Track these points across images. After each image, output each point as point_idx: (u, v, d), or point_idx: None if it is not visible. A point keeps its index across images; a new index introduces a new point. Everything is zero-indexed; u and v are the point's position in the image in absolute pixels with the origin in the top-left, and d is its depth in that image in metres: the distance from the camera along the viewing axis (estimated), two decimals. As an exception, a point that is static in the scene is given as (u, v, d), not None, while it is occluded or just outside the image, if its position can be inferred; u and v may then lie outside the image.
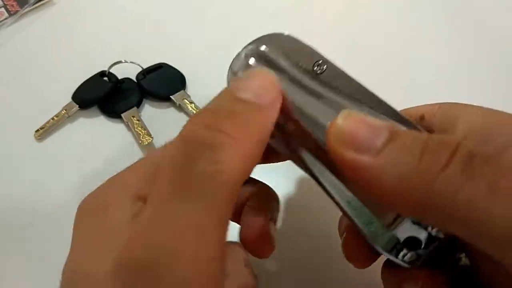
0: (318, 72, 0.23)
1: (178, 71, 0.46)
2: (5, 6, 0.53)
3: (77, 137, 0.42)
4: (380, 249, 0.22)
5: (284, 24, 0.51)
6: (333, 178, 0.23)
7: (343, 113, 0.19)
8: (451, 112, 0.24)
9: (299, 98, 0.23)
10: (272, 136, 0.21)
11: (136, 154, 0.41)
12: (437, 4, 0.54)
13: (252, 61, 0.24)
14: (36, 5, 0.53)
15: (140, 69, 0.45)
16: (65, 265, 0.21)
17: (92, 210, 0.22)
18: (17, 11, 0.53)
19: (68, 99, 0.43)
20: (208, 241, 0.18)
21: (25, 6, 0.53)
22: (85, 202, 0.23)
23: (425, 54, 0.49)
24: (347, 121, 0.19)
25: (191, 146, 0.18)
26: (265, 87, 0.20)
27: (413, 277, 0.23)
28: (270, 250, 0.25)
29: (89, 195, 0.23)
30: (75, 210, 0.35)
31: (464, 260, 0.23)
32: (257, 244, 0.25)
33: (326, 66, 0.23)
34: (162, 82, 0.45)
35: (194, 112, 0.43)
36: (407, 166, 0.17)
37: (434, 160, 0.17)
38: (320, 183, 0.23)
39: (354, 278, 0.33)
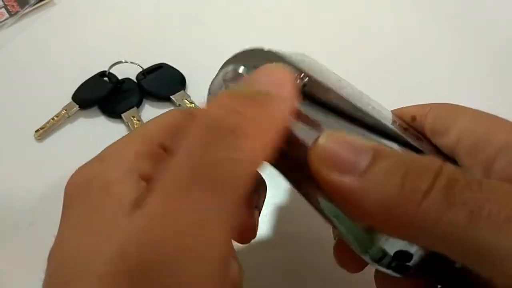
0: (300, 85, 0.22)
1: (178, 71, 0.46)
2: (5, 6, 0.53)
3: (77, 137, 0.42)
4: (369, 262, 0.22)
5: (285, 24, 0.51)
6: (318, 193, 0.22)
7: (325, 134, 0.19)
8: (442, 114, 0.23)
9: None
10: None
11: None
12: (437, 4, 0.54)
13: (230, 85, 0.23)
14: (37, 5, 0.53)
15: (140, 69, 0.45)
16: (53, 250, 0.20)
17: (89, 187, 0.20)
18: (17, 12, 0.53)
19: (68, 99, 0.43)
20: (221, 239, 0.16)
21: (26, 7, 0.53)
22: (81, 174, 0.21)
23: (425, 54, 0.49)
24: (330, 142, 0.18)
25: (213, 131, 0.17)
26: (282, 79, 0.19)
27: (404, 285, 0.23)
28: (252, 237, 0.25)
29: (87, 165, 0.21)
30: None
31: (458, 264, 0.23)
32: (240, 230, 0.24)
33: (307, 80, 0.22)
34: (162, 82, 0.45)
35: (194, 112, 0.43)
36: (389, 191, 0.17)
37: (416, 186, 0.17)
38: (304, 196, 0.23)
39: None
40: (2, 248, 0.36)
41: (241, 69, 0.22)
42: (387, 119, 0.23)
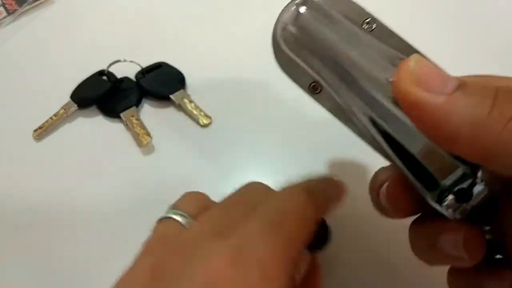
0: (367, 29, 0.23)
1: (178, 70, 0.46)
2: (3, 5, 0.53)
3: (76, 137, 0.42)
4: (430, 199, 0.23)
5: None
6: (388, 126, 0.23)
7: (414, 57, 0.20)
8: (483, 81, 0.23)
9: (354, 51, 0.23)
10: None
11: (135, 154, 0.41)
12: (437, 4, 0.54)
13: (303, 9, 0.23)
14: (35, 3, 0.53)
15: (139, 68, 0.45)
16: None
17: None
18: (15, 10, 0.52)
19: (67, 98, 0.43)
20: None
21: (24, 5, 0.53)
22: None
23: (425, 54, 0.49)
24: (419, 64, 0.20)
25: None
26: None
27: (454, 228, 0.23)
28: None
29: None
30: (73, 210, 0.36)
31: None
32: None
33: (376, 25, 0.23)
34: (161, 82, 0.45)
35: (194, 111, 0.43)
36: (477, 112, 0.18)
37: (503, 110, 0.18)
38: (363, 134, 0.24)
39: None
40: (1, 248, 0.35)
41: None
42: None
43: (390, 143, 0.23)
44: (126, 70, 0.45)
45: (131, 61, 0.44)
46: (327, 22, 0.23)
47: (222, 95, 0.45)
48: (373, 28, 0.23)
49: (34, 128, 0.41)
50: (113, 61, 0.44)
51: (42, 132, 0.41)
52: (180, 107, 0.43)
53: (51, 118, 0.42)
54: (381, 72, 0.22)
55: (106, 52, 0.47)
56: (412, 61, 0.20)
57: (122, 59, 0.44)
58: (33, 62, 0.47)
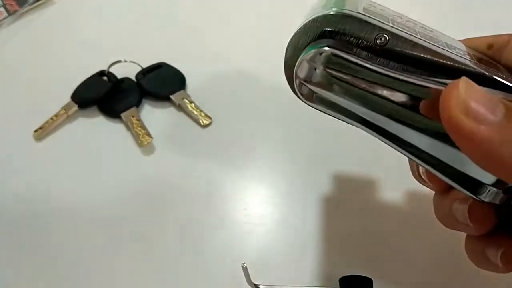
0: (382, 44, 0.23)
1: (178, 71, 0.46)
2: (4, 5, 0.53)
3: (76, 137, 0.42)
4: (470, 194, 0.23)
5: (285, 23, 0.51)
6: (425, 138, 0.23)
7: (463, 82, 0.20)
8: None
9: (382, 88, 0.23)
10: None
11: (135, 154, 0.41)
12: (437, 4, 0.54)
13: (320, 68, 0.23)
14: (36, 4, 0.53)
15: (140, 69, 0.45)
16: None
17: None
18: (16, 11, 0.53)
19: (67, 98, 0.43)
20: None
21: (25, 5, 0.53)
22: None
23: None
24: (468, 91, 0.19)
25: None
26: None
27: (463, 198, 0.25)
28: None
29: None
30: (74, 210, 0.36)
31: None
32: None
33: (388, 37, 0.23)
34: (161, 82, 0.45)
35: (195, 112, 0.43)
36: None
37: None
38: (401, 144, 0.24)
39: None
40: (1, 249, 0.36)
41: (325, 49, 0.23)
42: (462, 52, 0.24)
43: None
44: (127, 71, 0.45)
45: (131, 62, 0.44)
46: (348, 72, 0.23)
47: (222, 95, 0.45)
48: (387, 40, 0.23)
49: (35, 129, 0.42)
50: (113, 61, 0.44)
51: (42, 132, 0.41)
52: (180, 107, 0.43)
53: (51, 118, 0.42)
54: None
55: (106, 52, 0.47)
56: (461, 87, 0.19)
57: (122, 60, 0.44)
58: (33, 63, 0.47)
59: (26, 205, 0.38)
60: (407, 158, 0.26)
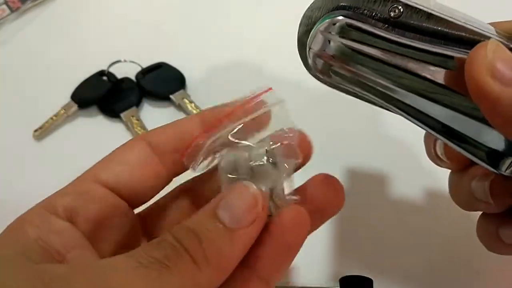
0: (396, 16, 0.22)
1: (178, 71, 0.46)
2: (6, 3, 0.53)
3: (76, 137, 0.42)
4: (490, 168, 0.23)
5: (287, 23, 0.50)
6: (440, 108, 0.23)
7: (492, 43, 0.19)
8: None
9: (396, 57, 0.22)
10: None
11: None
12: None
13: (335, 39, 0.23)
14: (38, 1, 0.53)
15: (140, 69, 0.45)
16: None
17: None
18: (18, 8, 0.52)
19: (67, 98, 0.43)
20: None
21: (27, 2, 0.53)
22: None
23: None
24: (497, 52, 0.19)
25: (157, 247, 0.18)
26: (246, 209, 0.19)
27: (484, 174, 0.25)
28: None
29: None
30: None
31: None
32: None
33: (401, 7, 0.22)
34: (161, 82, 0.45)
35: (194, 111, 0.42)
36: None
37: None
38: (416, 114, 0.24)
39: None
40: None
41: (339, 18, 0.23)
42: (487, 29, 0.23)
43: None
44: (126, 70, 0.45)
45: (131, 61, 0.44)
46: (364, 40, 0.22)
47: (222, 94, 0.44)
48: (401, 11, 0.22)
49: (35, 128, 0.41)
50: (113, 61, 0.44)
51: (42, 132, 0.41)
52: (180, 107, 0.43)
53: (51, 118, 0.42)
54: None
55: (106, 52, 0.47)
56: (489, 48, 0.19)
57: (122, 59, 0.44)
58: (34, 62, 0.47)
59: (26, 205, 0.38)
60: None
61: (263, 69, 0.46)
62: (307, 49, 0.24)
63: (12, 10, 0.52)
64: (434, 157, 0.28)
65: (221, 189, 0.22)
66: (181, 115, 0.43)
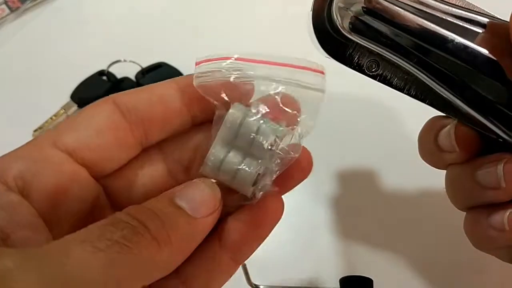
0: None
1: (178, 71, 0.45)
2: (6, 2, 0.53)
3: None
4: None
5: (286, 23, 0.50)
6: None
7: None
8: None
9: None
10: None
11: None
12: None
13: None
14: (37, 1, 0.53)
15: (140, 68, 0.45)
16: None
17: None
18: (18, 8, 0.52)
19: (67, 98, 0.43)
20: None
21: (27, 2, 0.53)
22: None
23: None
24: None
25: (111, 228, 0.17)
26: (204, 202, 0.19)
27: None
28: None
29: None
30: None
31: None
32: None
33: None
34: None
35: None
36: None
37: None
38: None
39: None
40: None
41: None
42: None
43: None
44: (126, 70, 0.45)
45: (131, 61, 0.44)
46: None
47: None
48: None
49: (34, 128, 0.41)
50: (113, 61, 0.44)
51: (42, 132, 0.41)
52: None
53: (51, 118, 0.42)
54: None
55: (106, 51, 0.47)
56: None
57: (122, 59, 0.44)
58: (34, 61, 0.47)
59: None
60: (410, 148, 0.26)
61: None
62: (333, 4, 0.23)
63: (11, 10, 0.52)
64: (435, 152, 0.27)
65: (211, 141, 0.21)
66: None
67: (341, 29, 0.24)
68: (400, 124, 0.41)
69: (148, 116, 0.21)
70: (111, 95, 0.22)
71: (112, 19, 0.51)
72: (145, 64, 0.45)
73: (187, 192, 0.19)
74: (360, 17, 0.23)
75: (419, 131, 0.29)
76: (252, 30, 0.50)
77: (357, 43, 0.24)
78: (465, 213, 0.28)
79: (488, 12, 0.23)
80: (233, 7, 0.53)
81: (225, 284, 0.34)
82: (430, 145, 0.27)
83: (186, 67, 0.46)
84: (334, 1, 0.23)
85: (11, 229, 0.18)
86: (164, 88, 0.22)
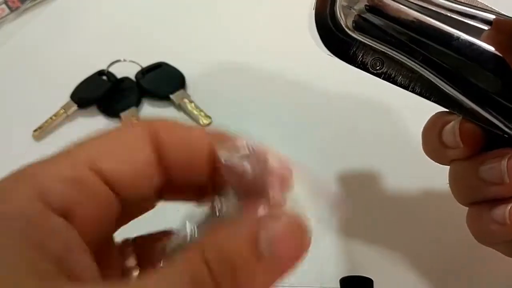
0: None
1: (178, 70, 0.45)
2: (6, 2, 0.53)
3: (76, 137, 0.41)
4: None
5: (286, 23, 0.50)
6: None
7: None
8: None
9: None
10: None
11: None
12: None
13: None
14: (37, 0, 0.53)
15: (139, 68, 0.45)
16: None
17: None
18: (18, 7, 0.52)
19: (67, 98, 0.43)
20: None
21: (26, 2, 0.53)
22: None
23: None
24: None
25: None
26: (293, 250, 0.17)
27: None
28: None
29: None
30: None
31: None
32: None
33: None
34: (161, 81, 0.45)
35: (195, 112, 0.42)
36: None
37: None
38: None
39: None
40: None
41: None
42: None
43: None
44: (126, 70, 0.45)
45: (131, 61, 0.44)
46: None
47: (222, 94, 0.45)
48: None
49: (34, 128, 0.41)
50: (113, 61, 0.44)
51: (42, 132, 0.41)
52: (180, 107, 0.43)
53: (51, 118, 0.42)
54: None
55: (106, 51, 0.47)
56: None
57: (122, 59, 0.44)
58: (33, 61, 0.47)
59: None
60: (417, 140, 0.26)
61: (264, 68, 0.46)
62: (336, 3, 0.24)
63: (11, 10, 0.52)
64: (439, 149, 0.27)
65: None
66: (181, 115, 0.43)
67: (344, 28, 0.24)
68: (401, 124, 0.41)
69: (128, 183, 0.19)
70: (152, 122, 0.20)
71: (112, 19, 0.51)
72: (145, 64, 0.45)
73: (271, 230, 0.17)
74: (364, 15, 0.23)
75: (420, 129, 0.29)
76: (253, 29, 0.50)
77: (361, 41, 0.24)
78: (466, 212, 0.28)
79: (493, 9, 0.23)
80: (233, 7, 0.52)
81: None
82: (434, 141, 0.27)
83: (186, 67, 0.46)
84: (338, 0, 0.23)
85: (65, 253, 0.16)
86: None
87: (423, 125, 0.29)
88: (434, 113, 0.28)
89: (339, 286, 0.33)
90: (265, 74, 0.46)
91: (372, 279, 0.32)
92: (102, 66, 0.44)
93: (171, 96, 0.43)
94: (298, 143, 0.41)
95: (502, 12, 0.23)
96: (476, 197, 0.27)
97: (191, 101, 0.43)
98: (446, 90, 0.24)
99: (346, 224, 0.36)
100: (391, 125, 0.41)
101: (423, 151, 0.29)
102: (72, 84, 0.44)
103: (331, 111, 0.43)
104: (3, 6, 0.53)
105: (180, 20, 0.51)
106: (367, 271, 0.33)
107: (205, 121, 0.42)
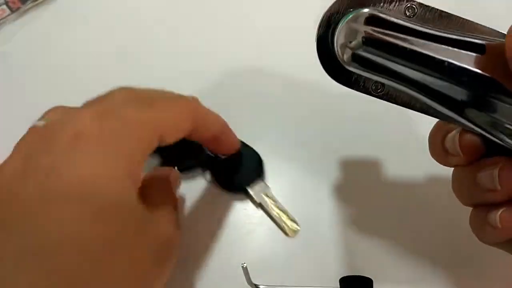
0: (411, 15, 0.24)
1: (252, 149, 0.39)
2: (6, 3, 0.53)
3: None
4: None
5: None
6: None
7: None
8: None
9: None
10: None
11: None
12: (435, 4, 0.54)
13: (361, 27, 0.24)
14: (38, 1, 0.53)
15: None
16: None
17: None
18: (19, 8, 0.52)
19: (67, 99, 0.43)
20: None
21: (27, 2, 0.53)
22: None
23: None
24: None
25: None
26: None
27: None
28: None
29: None
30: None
31: None
32: None
33: (415, 7, 0.24)
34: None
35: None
36: None
37: None
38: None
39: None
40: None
41: (365, 10, 0.24)
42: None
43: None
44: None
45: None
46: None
47: (223, 96, 0.44)
48: (415, 11, 0.24)
49: (35, 128, 0.41)
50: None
51: (42, 132, 0.41)
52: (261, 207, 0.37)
53: (51, 118, 0.42)
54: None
55: (108, 52, 0.47)
56: None
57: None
58: (34, 62, 0.47)
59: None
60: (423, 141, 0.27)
61: (263, 69, 0.46)
62: (335, 43, 0.25)
63: (12, 11, 0.52)
64: (442, 154, 0.29)
65: None
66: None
67: (343, 64, 0.25)
68: (401, 123, 0.41)
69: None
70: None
71: (112, 19, 0.51)
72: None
73: None
74: (359, 52, 0.24)
75: (422, 128, 0.30)
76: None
77: (360, 74, 0.25)
78: (466, 213, 0.29)
79: (485, 27, 0.24)
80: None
81: (225, 284, 0.34)
82: (438, 146, 0.29)
83: (186, 67, 0.46)
84: (336, 37, 0.24)
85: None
86: None
87: (424, 124, 0.29)
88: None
89: (339, 286, 0.33)
90: (265, 74, 0.45)
91: (372, 279, 0.32)
92: (103, 66, 0.45)
93: (249, 190, 0.37)
94: (299, 145, 0.41)
95: (496, 29, 0.24)
96: (475, 201, 0.28)
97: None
98: (444, 113, 0.25)
99: (346, 224, 0.36)
100: (391, 125, 0.41)
101: (424, 152, 0.30)
102: (72, 84, 0.44)
103: (331, 110, 0.43)
104: (4, 7, 0.53)
105: (180, 21, 0.51)
106: (367, 271, 0.33)
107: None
